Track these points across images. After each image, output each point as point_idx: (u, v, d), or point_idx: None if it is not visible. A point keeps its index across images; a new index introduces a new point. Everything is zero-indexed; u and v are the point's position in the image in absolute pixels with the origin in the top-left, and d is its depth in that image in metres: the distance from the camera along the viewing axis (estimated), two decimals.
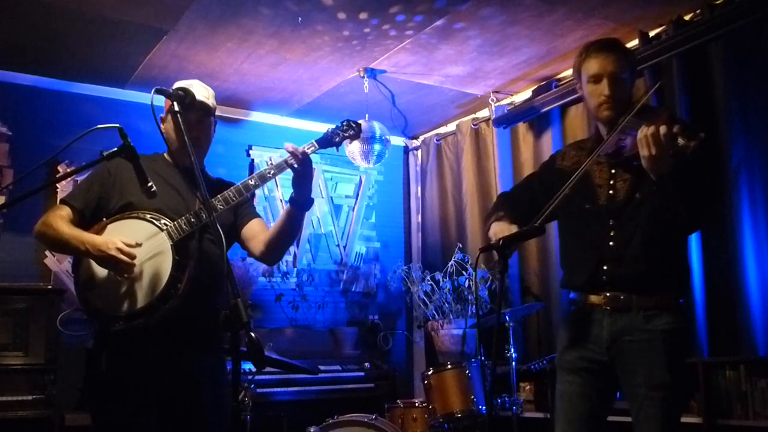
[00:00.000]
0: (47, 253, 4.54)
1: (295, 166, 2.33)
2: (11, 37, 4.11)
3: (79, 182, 2.59)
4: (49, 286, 4.30)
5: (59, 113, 4.65)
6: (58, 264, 4.56)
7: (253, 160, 5.30)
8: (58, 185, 4.60)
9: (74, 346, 4.39)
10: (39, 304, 4.02)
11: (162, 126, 2.48)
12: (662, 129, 2.09)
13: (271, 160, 5.34)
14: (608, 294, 2.30)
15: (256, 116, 5.35)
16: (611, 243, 2.31)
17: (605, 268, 2.31)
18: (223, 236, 1.91)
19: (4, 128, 4.51)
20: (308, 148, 2.37)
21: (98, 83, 4.79)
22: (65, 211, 2.37)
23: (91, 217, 2.39)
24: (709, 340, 3.64)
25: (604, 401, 2.36)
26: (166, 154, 2.53)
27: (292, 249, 5.28)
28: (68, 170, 4.21)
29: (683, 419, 3.37)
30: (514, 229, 2.35)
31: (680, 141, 2.07)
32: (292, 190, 2.44)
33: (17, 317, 3.95)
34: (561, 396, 2.39)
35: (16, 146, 4.51)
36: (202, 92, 2.43)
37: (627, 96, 2.41)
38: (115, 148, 2.04)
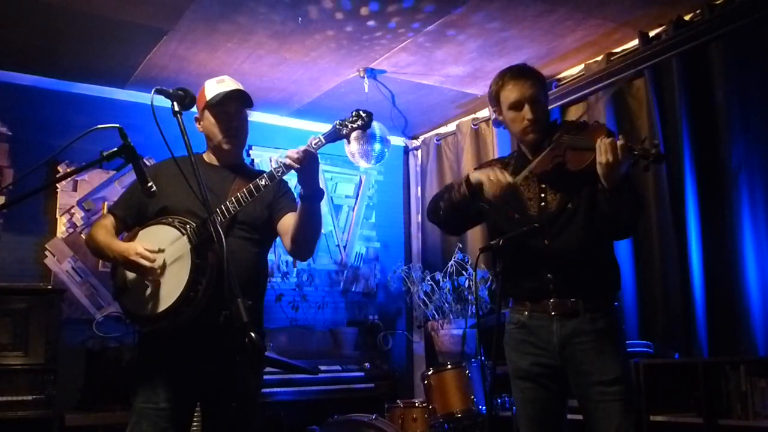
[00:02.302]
0: (47, 253, 4.55)
1: (296, 166, 2.32)
2: (11, 37, 4.11)
3: (124, 190, 2.74)
4: (49, 286, 4.30)
5: (59, 113, 4.65)
6: (58, 264, 4.56)
7: (253, 160, 5.30)
8: (58, 185, 4.61)
9: (74, 346, 4.40)
10: (39, 304, 4.01)
11: (198, 125, 2.57)
12: (621, 139, 2.21)
13: (271, 160, 5.34)
14: (555, 300, 2.38)
15: (256, 116, 5.34)
16: (548, 252, 2.40)
17: (549, 276, 2.39)
18: (223, 237, 1.91)
19: (4, 128, 4.51)
20: (314, 143, 2.35)
21: (98, 83, 4.79)
22: (109, 220, 2.54)
23: (134, 223, 2.53)
24: (709, 340, 3.64)
25: (561, 403, 2.46)
26: (204, 154, 2.60)
27: None
28: (68, 170, 4.22)
29: (683, 419, 3.42)
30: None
31: (636, 151, 2.21)
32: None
33: (17, 317, 3.94)
34: (521, 403, 2.47)
35: (16, 146, 4.51)
36: (236, 85, 2.53)
37: (547, 117, 2.52)
38: (115, 148, 2.04)
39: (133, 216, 2.52)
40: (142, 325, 2.47)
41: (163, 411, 2.34)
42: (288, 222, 2.50)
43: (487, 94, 2.62)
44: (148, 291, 2.35)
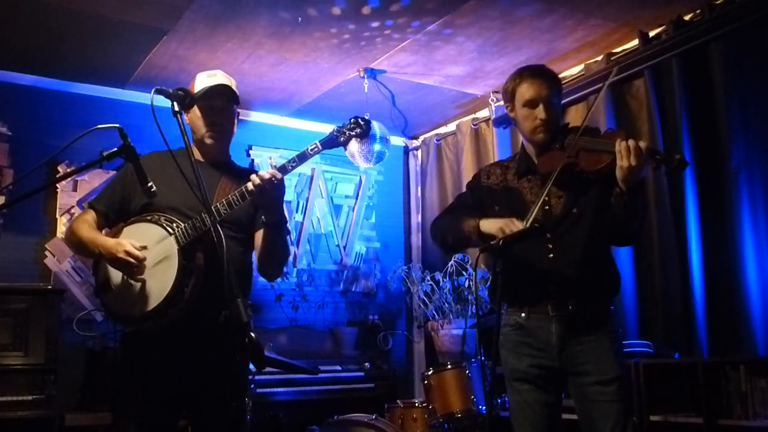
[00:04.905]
0: (47, 253, 4.54)
1: (253, 190, 2.29)
2: (11, 37, 4.11)
3: (107, 184, 2.67)
4: (49, 286, 4.30)
5: (59, 113, 4.64)
6: (58, 264, 4.56)
7: (253, 160, 5.29)
8: (58, 185, 4.61)
9: (74, 346, 4.40)
10: (39, 304, 4.01)
11: (186, 117, 2.51)
12: (643, 143, 2.22)
13: (271, 159, 5.34)
14: (555, 302, 2.39)
15: (256, 116, 5.35)
16: (551, 255, 2.41)
17: (551, 278, 2.40)
18: (223, 238, 1.89)
19: (4, 128, 4.51)
20: (310, 149, 2.36)
21: (98, 83, 4.79)
22: (90, 215, 2.48)
23: (116, 218, 2.48)
24: (709, 340, 3.64)
25: (558, 405, 2.47)
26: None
27: (292, 249, 5.29)
28: (68, 170, 4.21)
29: (683, 419, 3.42)
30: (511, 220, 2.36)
31: (659, 156, 2.23)
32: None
33: (17, 317, 3.94)
34: (519, 405, 2.47)
35: (16, 146, 4.51)
36: (226, 80, 2.50)
37: (558, 120, 2.53)
38: (115, 148, 2.04)
39: (115, 211, 2.48)
40: (124, 325, 2.43)
41: (149, 412, 2.30)
42: (259, 238, 2.48)
43: (501, 89, 2.64)
44: (132, 290, 2.30)
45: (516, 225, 2.29)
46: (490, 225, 2.38)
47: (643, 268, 4.05)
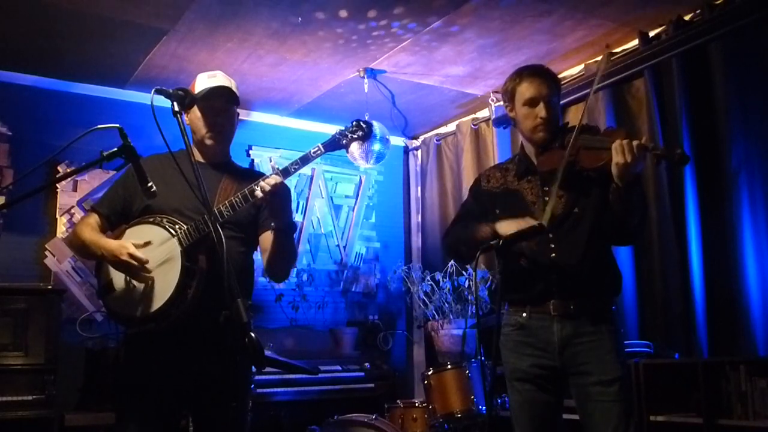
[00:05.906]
0: (47, 253, 4.55)
1: (262, 198, 2.29)
2: (11, 37, 4.11)
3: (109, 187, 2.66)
4: (49, 286, 4.30)
5: (59, 113, 4.65)
6: (58, 264, 4.56)
7: (253, 160, 5.29)
8: (58, 185, 4.61)
9: (74, 346, 4.40)
10: (39, 304, 4.01)
11: (186, 118, 2.50)
12: (636, 141, 2.23)
13: (271, 160, 5.34)
14: (557, 302, 2.39)
15: (256, 116, 5.35)
16: (553, 255, 2.41)
17: (554, 277, 2.40)
18: (223, 238, 1.90)
19: (4, 128, 4.51)
20: (312, 152, 2.36)
21: (98, 83, 4.79)
22: (93, 219, 2.49)
23: (118, 221, 2.48)
24: (709, 340, 3.65)
25: (558, 405, 2.47)
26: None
27: None
28: (68, 170, 4.21)
29: (683, 419, 3.43)
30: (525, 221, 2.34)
31: (658, 151, 2.24)
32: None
33: (17, 317, 3.93)
34: (519, 405, 2.47)
35: (16, 146, 4.51)
36: (227, 81, 2.49)
37: (558, 119, 2.53)
38: (115, 148, 2.04)
39: (117, 214, 2.48)
40: (127, 326, 2.43)
41: (151, 414, 2.30)
42: (266, 240, 2.48)
43: (501, 90, 2.64)
44: (135, 292, 2.31)
45: (529, 222, 2.29)
46: (507, 227, 2.33)
47: (643, 269, 4.05)
